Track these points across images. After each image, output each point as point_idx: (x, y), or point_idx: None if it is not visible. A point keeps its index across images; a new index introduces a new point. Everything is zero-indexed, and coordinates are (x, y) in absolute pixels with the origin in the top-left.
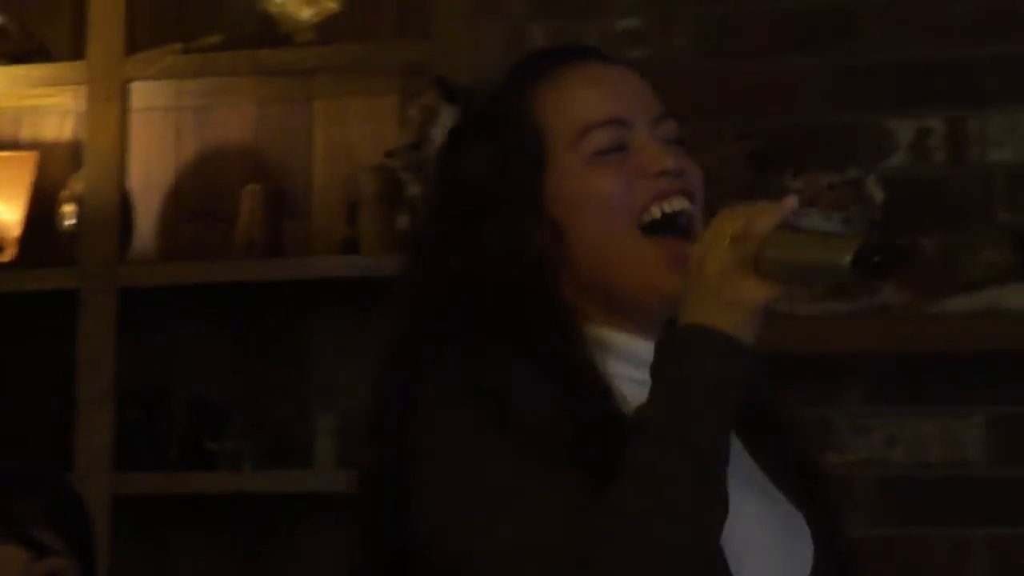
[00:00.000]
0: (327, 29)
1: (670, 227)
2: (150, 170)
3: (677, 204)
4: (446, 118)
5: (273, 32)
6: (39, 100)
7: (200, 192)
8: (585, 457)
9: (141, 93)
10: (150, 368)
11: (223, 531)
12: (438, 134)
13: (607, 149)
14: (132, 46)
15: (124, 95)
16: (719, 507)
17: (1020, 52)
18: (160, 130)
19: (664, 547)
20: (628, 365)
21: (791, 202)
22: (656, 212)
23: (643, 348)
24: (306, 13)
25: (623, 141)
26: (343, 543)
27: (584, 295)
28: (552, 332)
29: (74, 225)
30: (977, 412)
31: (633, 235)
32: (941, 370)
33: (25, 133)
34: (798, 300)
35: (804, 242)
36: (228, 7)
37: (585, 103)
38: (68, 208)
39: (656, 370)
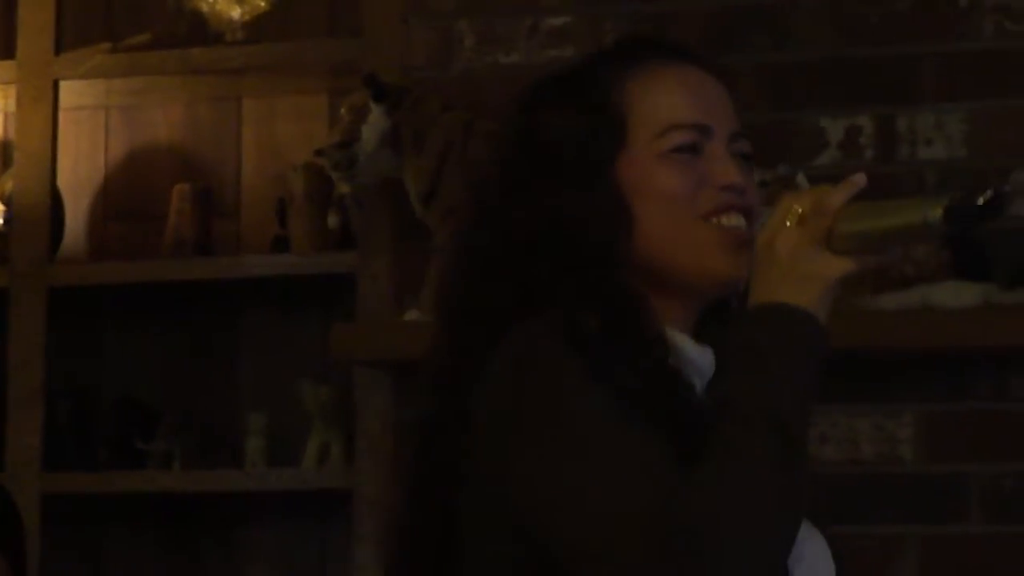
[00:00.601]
0: (256, 28)
1: None
2: (79, 169)
3: (735, 220)
4: (375, 117)
5: (203, 31)
6: None
7: (129, 191)
8: (675, 428)
9: (70, 92)
10: (80, 368)
11: (154, 530)
12: (367, 132)
13: (682, 148)
14: (61, 45)
15: (53, 94)
16: (806, 481)
17: (950, 50)
18: (89, 129)
19: (760, 520)
20: (682, 363)
21: (862, 179)
22: (715, 222)
23: (691, 347)
24: (236, 12)
25: (700, 146)
26: (273, 541)
27: (638, 278)
28: (631, 305)
29: (3, 225)
30: (908, 409)
31: (695, 223)
32: (872, 367)
33: None
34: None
35: (878, 209)
36: (157, 6)
37: (674, 103)
38: None
39: (736, 347)
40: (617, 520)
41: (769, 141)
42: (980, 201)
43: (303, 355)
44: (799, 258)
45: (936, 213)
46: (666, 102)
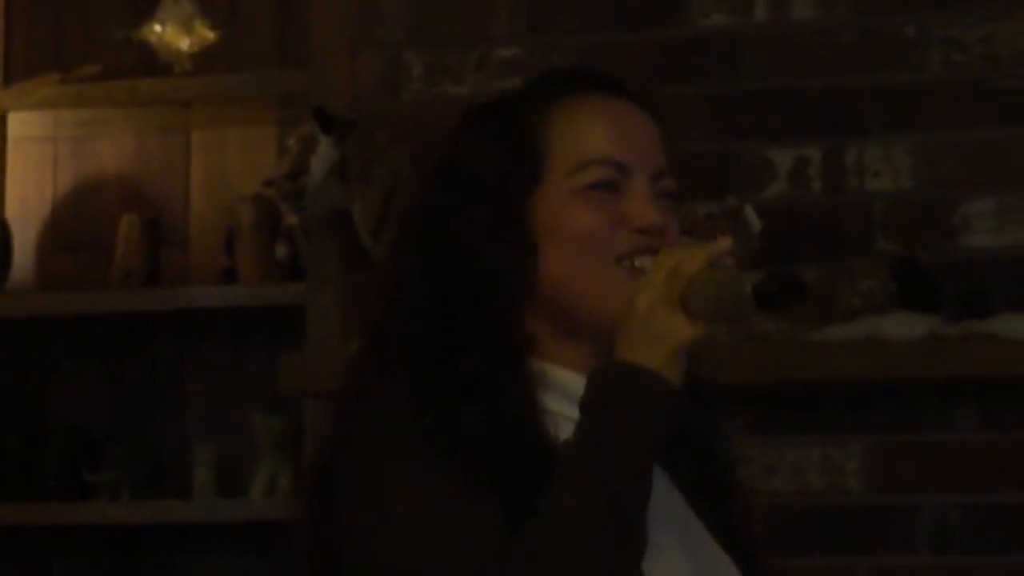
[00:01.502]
0: (205, 59)
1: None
2: (27, 200)
3: (648, 263)
4: (324, 148)
5: (151, 62)
6: None
7: (77, 222)
8: (510, 492)
9: (18, 123)
10: (27, 398)
11: (102, 561)
12: (316, 164)
13: (599, 185)
14: (10, 76)
15: (2, 125)
16: (636, 549)
17: (898, 82)
18: (37, 160)
19: None
20: (567, 403)
21: (726, 243)
22: (626, 264)
23: (574, 380)
24: (184, 43)
25: (618, 184)
26: (221, 573)
27: (539, 317)
28: (498, 362)
29: None
30: (855, 440)
31: (606, 264)
32: (820, 398)
33: None
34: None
35: (716, 278)
36: (106, 37)
37: (593, 138)
38: None
39: (581, 406)
40: None
41: (717, 172)
42: (779, 286)
43: (251, 386)
44: (653, 317)
45: (746, 290)
46: (585, 137)
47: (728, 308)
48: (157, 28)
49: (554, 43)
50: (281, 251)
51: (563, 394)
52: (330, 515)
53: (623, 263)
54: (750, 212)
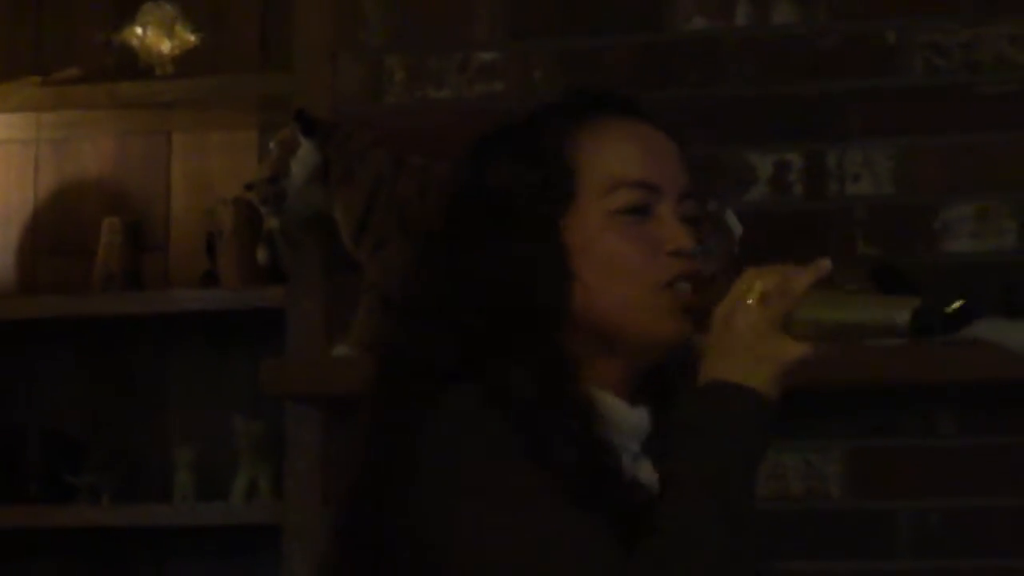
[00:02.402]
0: (186, 62)
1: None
2: (8, 203)
3: (683, 286)
4: (305, 152)
5: (133, 65)
6: None
7: (59, 225)
8: (616, 519)
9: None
10: (8, 401)
11: (83, 565)
12: (297, 167)
13: (631, 209)
14: None
15: None
16: (751, 555)
17: (878, 86)
18: (18, 163)
19: None
20: (608, 428)
21: (827, 264)
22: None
23: (622, 410)
24: (166, 46)
25: (649, 206)
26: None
27: (574, 339)
28: (562, 383)
29: None
30: (836, 445)
31: (650, 288)
32: (800, 403)
33: None
34: None
35: (848, 302)
36: (87, 40)
37: (624, 159)
38: None
39: (687, 425)
40: None
41: (697, 176)
42: (948, 310)
43: (232, 390)
44: (757, 337)
45: (903, 317)
46: (616, 157)
47: (867, 333)
48: (138, 31)
49: (535, 47)
50: (262, 255)
51: (610, 422)
52: (390, 522)
53: (664, 288)
54: (731, 216)
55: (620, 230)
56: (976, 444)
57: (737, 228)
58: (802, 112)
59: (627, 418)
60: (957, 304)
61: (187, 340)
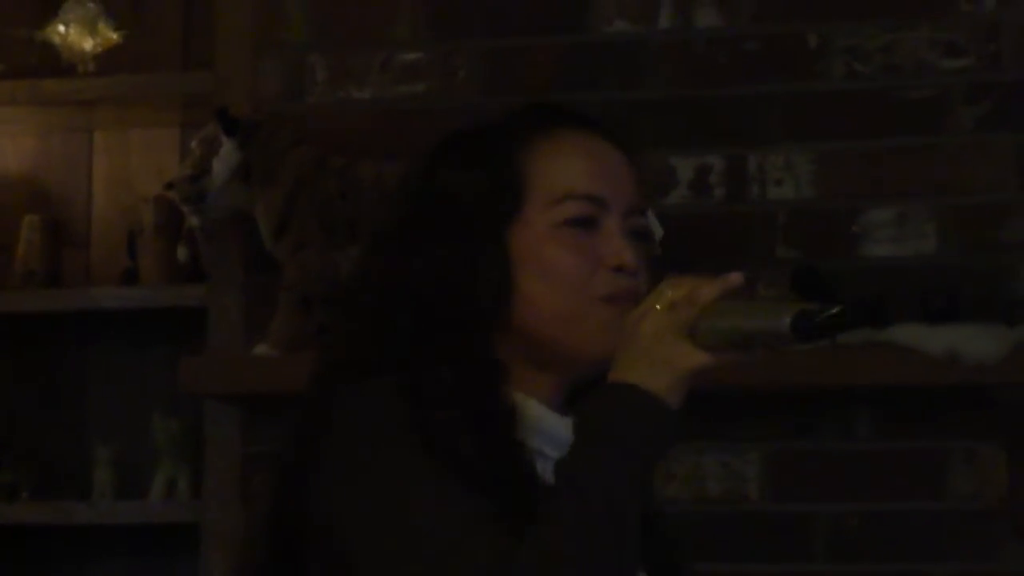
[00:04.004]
0: (109, 60)
1: None
2: None
3: (624, 304)
4: (226, 150)
5: (55, 62)
6: None
7: None
8: (510, 511)
9: None
10: None
11: (1, 562)
12: (218, 166)
13: (578, 221)
14: None
15: None
16: (631, 557)
17: (800, 91)
18: None
19: None
20: (534, 435)
21: (738, 278)
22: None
23: (552, 420)
24: (88, 44)
25: (596, 219)
26: (120, 575)
27: (512, 346)
28: (480, 383)
29: None
30: (754, 448)
31: (589, 302)
32: (719, 405)
33: None
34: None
35: (741, 309)
36: (9, 37)
37: (573, 172)
38: None
39: (582, 424)
40: None
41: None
42: (824, 315)
43: (152, 388)
44: (659, 342)
45: (785, 323)
46: (565, 170)
47: (757, 341)
48: (61, 28)
49: (457, 47)
50: (183, 253)
51: (531, 426)
52: (300, 516)
53: (604, 304)
54: (652, 219)
55: (564, 241)
56: (893, 448)
57: (658, 231)
58: (724, 115)
59: (552, 425)
60: (835, 310)
61: (107, 338)
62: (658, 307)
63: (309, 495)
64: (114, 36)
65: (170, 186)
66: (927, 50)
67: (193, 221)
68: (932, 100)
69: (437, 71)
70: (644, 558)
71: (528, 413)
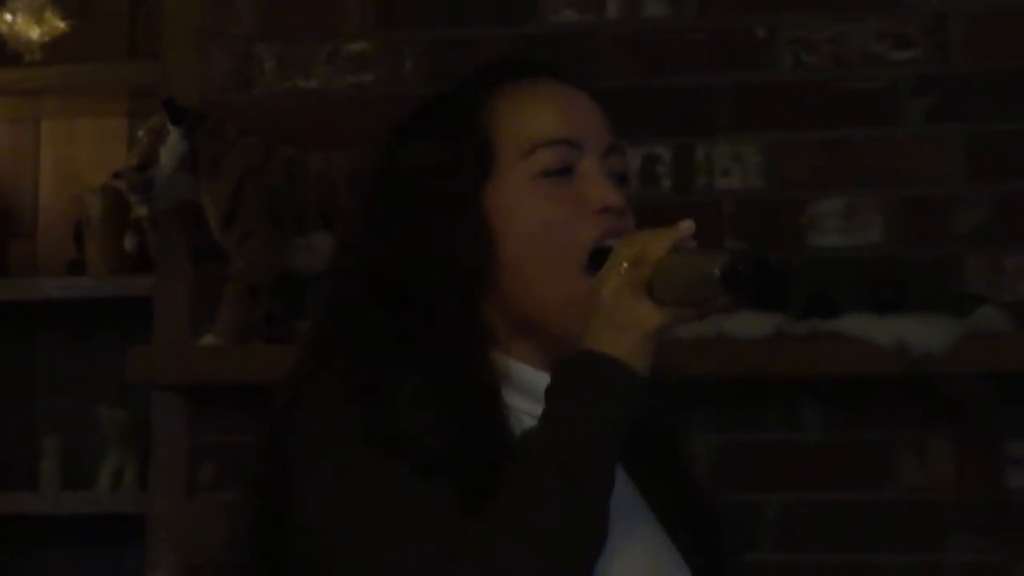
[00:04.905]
0: (56, 49)
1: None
2: None
3: (617, 244)
4: (173, 140)
5: (1, 51)
6: None
7: None
8: (468, 480)
9: None
10: None
11: None
12: (165, 156)
13: (554, 170)
14: None
15: None
16: (594, 534)
17: (748, 81)
18: None
19: (533, 570)
20: (528, 400)
21: (687, 225)
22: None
23: (539, 379)
24: (35, 32)
25: (571, 164)
26: (66, 565)
27: (499, 312)
28: (460, 353)
29: None
30: (701, 438)
31: (574, 275)
32: (666, 395)
33: None
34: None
35: (682, 262)
36: None
37: (539, 119)
38: None
39: (546, 394)
40: (397, 569)
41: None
42: (752, 260)
43: (99, 378)
44: (618, 306)
45: (716, 269)
46: (532, 118)
47: (696, 293)
48: (8, 17)
49: (405, 38)
50: (130, 243)
51: (524, 390)
52: (279, 503)
53: (586, 276)
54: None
55: (543, 192)
56: (841, 438)
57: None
58: (671, 106)
59: (534, 381)
60: (762, 256)
61: (54, 328)
62: (617, 268)
63: (288, 493)
64: (61, 25)
65: (117, 176)
66: (875, 41)
67: (140, 211)
68: (880, 91)
69: (384, 62)
70: (677, 530)
71: (516, 374)
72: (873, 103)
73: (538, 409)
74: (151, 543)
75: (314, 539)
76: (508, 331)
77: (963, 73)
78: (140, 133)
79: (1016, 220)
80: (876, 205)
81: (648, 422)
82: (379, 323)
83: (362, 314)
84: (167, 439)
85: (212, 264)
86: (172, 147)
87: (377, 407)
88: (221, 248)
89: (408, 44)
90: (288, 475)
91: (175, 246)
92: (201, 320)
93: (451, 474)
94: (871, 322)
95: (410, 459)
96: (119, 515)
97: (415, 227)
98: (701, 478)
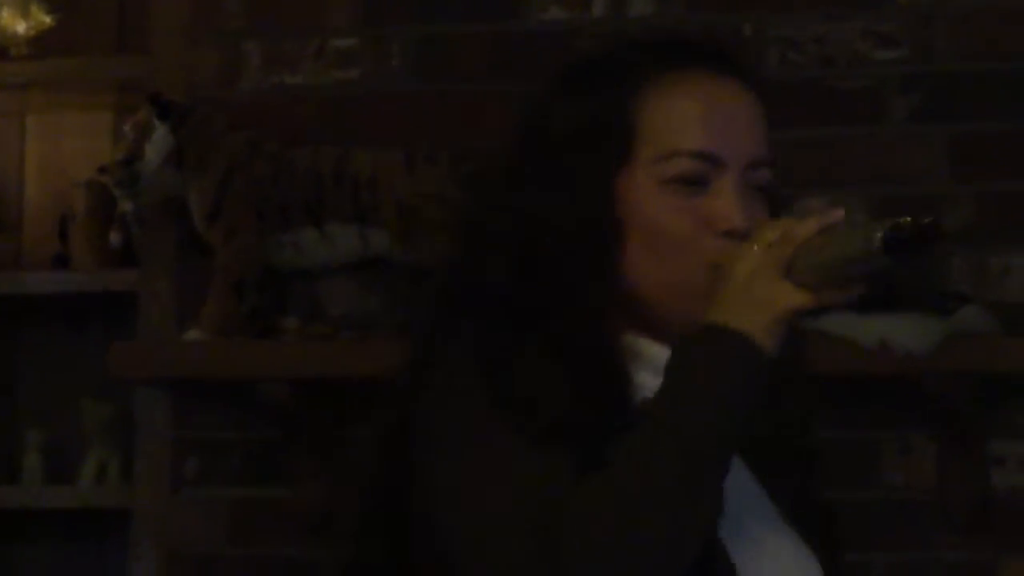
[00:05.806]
0: (42, 43)
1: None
2: None
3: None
4: (159, 135)
5: None
6: None
7: None
8: (592, 455)
9: None
10: None
11: None
12: (151, 151)
13: (686, 180)
14: None
15: None
16: (705, 505)
17: None
18: None
19: (635, 533)
20: (651, 374)
21: (839, 213)
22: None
23: (657, 349)
24: (20, 26)
25: (707, 177)
26: (50, 559)
27: (624, 299)
28: (589, 327)
29: None
30: None
31: (692, 267)
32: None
33: None
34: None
35: (834, 238)
36: None
37: (685, 125)
38: None
39: (670, 365)
40: (504, 520)
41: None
42: (920, 223)
43: (83, 373)
44: (754, 283)
45: (877, 237)
46: (677, 122)
47: (850, 267)
48: None
49: (392, 34)
50: (115, 238)
51: (651, 366)
52: (402, 469)
53: (709, 268)
54: None
55: (668, 201)
56: (825, 437)
57: None
58: None
59: (661, 358)
60: (928, 220)
61: (39, 323)
62: (755, 247)
63: (410, 474)
64: (47, 19)
65: (103, 170)
66: (861, 41)
67: (126, 206)
68: (866, 90)
69: (371, 57)
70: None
71: (642, 350)
72: (858, 102)
73: (659, 383)
74: (135, 537)
75: (433, 500)
76: (634, 316)
77: (947, 73)
78: (126, 128)
79: (1000, 219)
80: (861, 203)
81: (791, 436)
82: (508, 296)
83: (492, 285)
84: (151, 433)
85: (197, 259)
86: (158, 142)
87: (505, 377)
88: (206, 243)
89: (395, 40)
90: (409, 455)
91: (160, 241)
92: (186, 315)
93: (572, 444)
94: (855, 321)
95: (533, 427)
96: (102, 509)
97: (552, 192)
98: (832, 507)
